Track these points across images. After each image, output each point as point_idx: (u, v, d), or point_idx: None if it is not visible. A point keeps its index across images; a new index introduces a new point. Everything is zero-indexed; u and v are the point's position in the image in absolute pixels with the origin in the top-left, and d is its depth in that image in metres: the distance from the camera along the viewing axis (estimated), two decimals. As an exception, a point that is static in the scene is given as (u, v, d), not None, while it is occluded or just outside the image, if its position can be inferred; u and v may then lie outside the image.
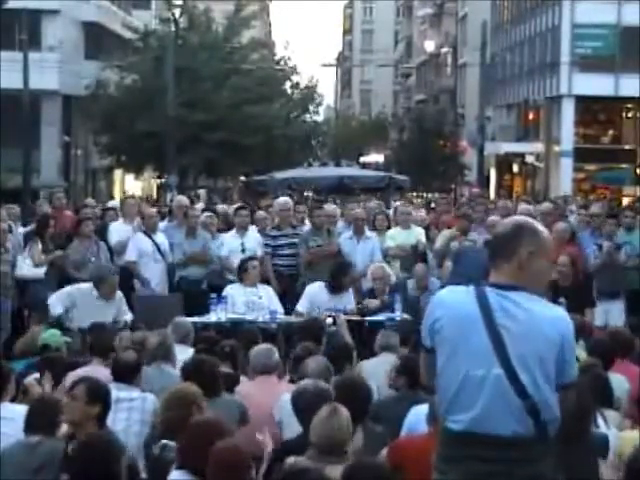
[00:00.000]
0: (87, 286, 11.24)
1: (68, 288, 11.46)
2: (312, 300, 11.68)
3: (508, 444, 4.26)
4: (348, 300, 11.74)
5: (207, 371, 7.10)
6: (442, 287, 11.20)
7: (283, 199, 14.87)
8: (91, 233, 13.56)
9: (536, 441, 4.29)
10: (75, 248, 13.42)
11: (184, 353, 8.44)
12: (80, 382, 6.32)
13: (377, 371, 8.16)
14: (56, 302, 11.17)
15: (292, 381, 7.83)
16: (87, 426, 6.05)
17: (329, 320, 10.59)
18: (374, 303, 12.03)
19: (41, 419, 6.14)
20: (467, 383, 4.30)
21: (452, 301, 4.42)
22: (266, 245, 13.37)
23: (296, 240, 13.31)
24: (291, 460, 5.79)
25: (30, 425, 6.12)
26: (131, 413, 7.08)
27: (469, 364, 4.30)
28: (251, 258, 12.38)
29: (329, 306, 11.44)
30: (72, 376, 7.62)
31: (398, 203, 18.04)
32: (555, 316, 4.36)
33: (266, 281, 12.60)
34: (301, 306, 11.72)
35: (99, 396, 6.23)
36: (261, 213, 14.97)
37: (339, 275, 11.77)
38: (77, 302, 11.03)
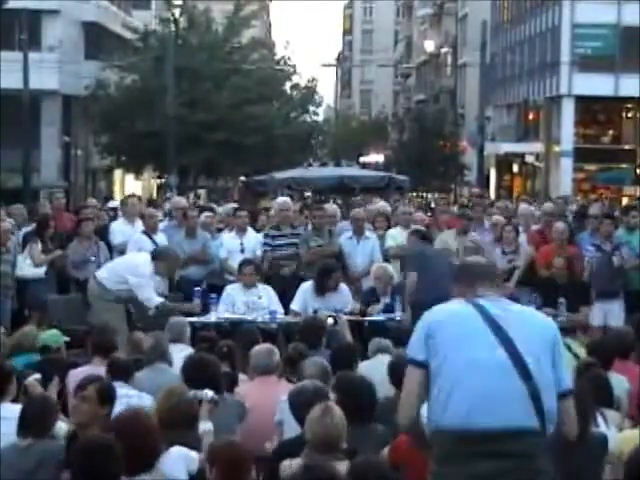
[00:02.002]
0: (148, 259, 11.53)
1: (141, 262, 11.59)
2: (304, 298, 11.71)
3: (509, 437, 4.27)
4: (337, 301, 11.62)
5: (209, 371, 7.10)
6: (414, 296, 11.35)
7: (282, 199, 14.88)
8: (91, 233, 13.57)
9: (537, 434, 4.30)
10: (75, 248, 13.43)
11: (179, 352, 8.41)
12: (90, 383, 6.24)
13: (375, 372, 8.15)
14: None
15: (289, 381, 7.84)
16: (94, 427, 5.99)
17: (330, 320, 10.57)
18: (376, 309, 11.97)
19: (35, 419, 6.07)
20: (467, 373, 4.35)
21: (448, 308, 4.62)
22: (265, 245, 13.37)
23: (295, 240, 13.30)
24: (287, 462, 5.77)
25: (23, 425, 6.05)
26: (129, 411, 7.07)
27: (470, 352, 4.38)
28: (248, 262, 12.36)
29: (314, 306, 11.46)
30: (73, 376, 7.62)
31: (382, 203, 17.93)
32: (545, 322, 4.66)
33: (266, 281, 12.60)
34: (295, 304, 11.73)
35: (109, 397, 6.22)
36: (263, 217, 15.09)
37: (322, 278, 11.73)
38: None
